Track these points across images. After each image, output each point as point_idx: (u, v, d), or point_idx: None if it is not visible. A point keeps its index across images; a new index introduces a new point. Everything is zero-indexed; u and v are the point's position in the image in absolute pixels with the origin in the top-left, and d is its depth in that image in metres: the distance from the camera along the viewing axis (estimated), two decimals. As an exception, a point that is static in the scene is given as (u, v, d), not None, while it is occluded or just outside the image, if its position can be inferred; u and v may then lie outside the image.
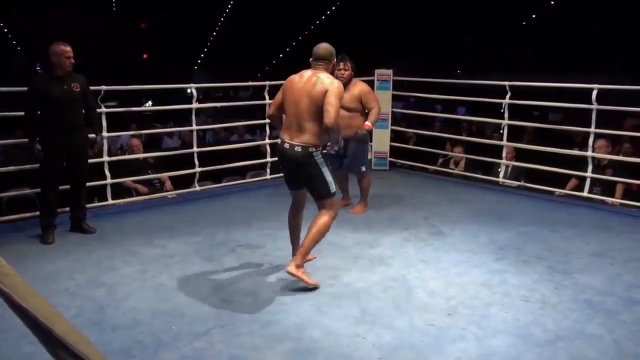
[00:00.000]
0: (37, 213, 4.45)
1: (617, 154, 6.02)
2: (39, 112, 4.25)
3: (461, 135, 8.49)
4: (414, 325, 3.02)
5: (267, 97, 6.15)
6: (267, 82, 6.19)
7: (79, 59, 4.40)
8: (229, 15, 25.06)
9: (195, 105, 5.74)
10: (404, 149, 7.23)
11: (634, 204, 5.27)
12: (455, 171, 6.96)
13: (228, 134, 9.93)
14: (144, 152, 6.15)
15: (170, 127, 9.27)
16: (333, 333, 2.93)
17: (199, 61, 26.92)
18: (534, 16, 18.48)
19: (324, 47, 3.51)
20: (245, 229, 4.63)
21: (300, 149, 3.40)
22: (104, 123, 4.92)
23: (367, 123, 4.84)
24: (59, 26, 20.47)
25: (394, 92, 6.96)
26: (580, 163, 5.65)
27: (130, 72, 20.28)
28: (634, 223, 4.94)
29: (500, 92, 6.04)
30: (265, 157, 6.33)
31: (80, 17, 21.79)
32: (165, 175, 5.94)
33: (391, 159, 7.03)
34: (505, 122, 6.02)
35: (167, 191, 5.80)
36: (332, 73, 3.52)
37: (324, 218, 3.50)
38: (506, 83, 5.92)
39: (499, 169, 6.26)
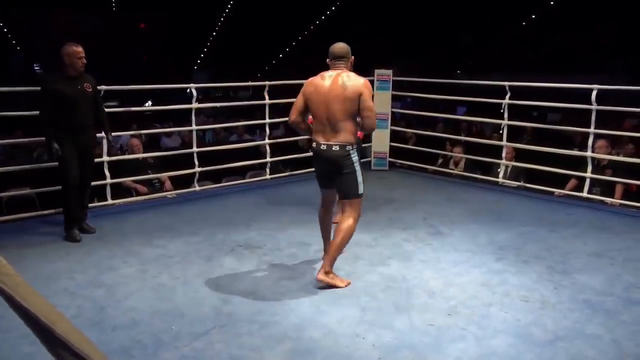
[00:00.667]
0: (37, 213, 4.46)
1: (617, 155, 6.03)
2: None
3: (460, 135, 8.49)
4: (413, 325, 3.03)
5: (266, 97, 6.15)
6: (267, 82, 6.19)
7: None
8: (228, 15, 25.04)
9: (194, 105, 5.74)
10: (403, 149, 7.23)
11: (634, 204, 5.28)
12: (455, 171, 6.97)
13: (227, 134, 9.93)
14: (143, 152, 6.15)
15: (170, 127, 9.26)
16: (333, 333, 2.94)
17: (199, 61, 26.91)
18: (533, 16, 18.47)
19: (340, 46, 3.51)
20: (245, 229, 4.63)
21: (338, 148, 3.42)
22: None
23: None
24: (59, 26, 20.45)
25: (394, 92, 6.96)
26: (579, 163, 5.65)
27: (130, 72, 20.27)
28: (633, 223, 4.94)
29: (499, 92, 6.05)
30: (265, 157, 6.33)
31: (80, 17, 21.76)
32: (164, 175, 5.94)
33: (391, 159, 7.04)
34: (505, 122, 6.03)
35: (166, 191, 5.81)
36: (351, 70, 3.54)
37: (349, 221, 3.49)
38: (506, 83, 5.93)
39: (499, 169, 6.27)
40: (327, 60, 3.53)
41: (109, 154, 5.23)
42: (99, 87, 4.88)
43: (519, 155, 6.37)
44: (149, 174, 5.77)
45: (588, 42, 16.78)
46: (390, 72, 6.86)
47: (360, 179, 3.50)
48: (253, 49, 23.52)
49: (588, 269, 3.83)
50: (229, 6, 24.64)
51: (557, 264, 3.92)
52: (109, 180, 5.17)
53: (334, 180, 3.54)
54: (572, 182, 5.82)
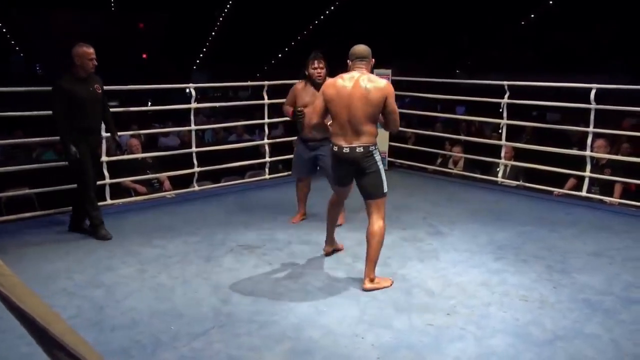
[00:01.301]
0: (36, 213, 4.45)
1: (616, 154, 6.03)
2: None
3: (460, 135, 8.49)
4: (412, 325, 3.02)
5: (265, 97, 6.15)
6: (266, 82, 6.18)
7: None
8: (227, 15, 25.04)
9: (194, 105, 5.74)
10: (403, 148, 7.23)
11: (633, 204, 5.27)
12: (454, 171, 6.97)
13: (227, 133, 9.92)
14: (142, 152, 6.15)
15: (169, 127, 9.26)
16: (332, 333, 2.93)
17: (198, 61, 26.92)
18: (532, 16, 18.48)
19: (363, 47, 3.49)
20: (244, 229, 4.62)
21: (362, 149, 3.40)
22: (104, 124, 4.92)
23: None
24: (59, 26, 20.45)
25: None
26: (578, 163, 5.65)
27: (129, 72, 20.26)
28: (633, 222, 4.94)
29: (499, 92, 6.05)
30: (264, 157, 6.33)
31: (80, 17, 21.75)
32: (164, 175, 5.94)
33: (390, 159, 7.03)
34: (504, 121, 6.03)
35: (165, 191, 5.80)
36: (371, 72, 3.54)
37: (379, 223, 3.47)
38: (505, 83, 5.93)
39: (498, 169, 6.27)
40: (348, 60, 3.50)
41: (108, 154, 5.23)
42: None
43: (518, 154, 6.37)
44: (148, 174, 5.76)
45: (588, 42, 16.78)
46: (389, 71, 6.85)
47: (384, 177, 3.48)
48: (252, 49, 23.53)
49: (587, 269, 3.83)
50: (228, 6, 24.64)
51: (556, 263, 3.92)
52: (108, 180, 5.17)
53: (359, 181, 3.52)
54: (571, 182, 5.82)
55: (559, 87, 6.14)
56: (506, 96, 5.92)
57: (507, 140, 6.12)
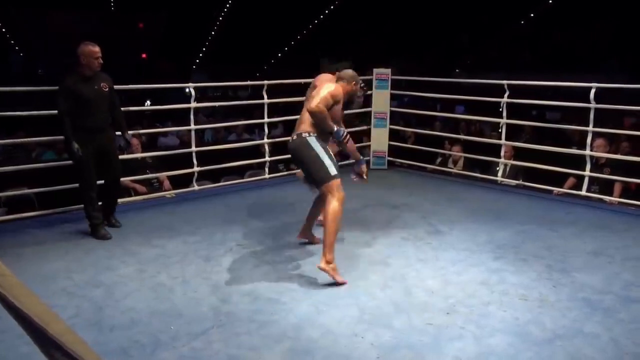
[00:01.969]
0: (35, 213, 4.45)
1: (616, 153, 6.03)
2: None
3: (459, 134, 8.49)
4: (412, 324, 3.02)
5: (265, 96, 6.15)
6: (266, 82, 6.18)
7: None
8: (226, 15, 25.03)
9: (193, 104, 5.74)
10: (402, 148, 7.23)
11: (632, 203, 5.27)
12: (454, 170, 6.97)
13: (226, 133, 9.92)
14: (142, 152, 6.14)
15: (169, 127, 9.25)
16: (331, 333, 2.93)
17: (197, 61, 26.90)
18: (532, 15, 18.47)
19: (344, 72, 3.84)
20: (244, 229, 4.62)
21: (295, 137, 3.67)
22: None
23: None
24: (58, 26, 20.46)
25: (392, 92, 6.96)
26: (578, 162, 5.65)
27: (129, 72, 20.26)
28: (632, 221, 4.94)
29: (498, 91, 6.05)
30: (264, 157, 6.32)
31: (79, 17, 21.76)
32: (163, 174, 5.93)
33: (390, 158, 7.03)
34: (504, 121, 6.03)
35: (165, 191, 5.80)
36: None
37: (332, 204, 3.50)
38: (504, 82, 5.93)
39: (498, 168, 6.27)
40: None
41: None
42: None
43: (517, 154, 6.36)
44: (148, 173, 5.76)
45: (586, 42, 16.78)
46: (388, 70, 6.85)
47: (325, 160, 3.55)
48: (251, 49, 23.52)
49: (587, 268, 3.83)
50: (227, 6, 24.63)
51: (555, 262, 3.92)
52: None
53: (303, 171, 3.78)
54: (571, 181, 5.82)
55: (559, 87, 6.13)
56: (506, 95, 5.92)
57: (506, 139, 6.12)
